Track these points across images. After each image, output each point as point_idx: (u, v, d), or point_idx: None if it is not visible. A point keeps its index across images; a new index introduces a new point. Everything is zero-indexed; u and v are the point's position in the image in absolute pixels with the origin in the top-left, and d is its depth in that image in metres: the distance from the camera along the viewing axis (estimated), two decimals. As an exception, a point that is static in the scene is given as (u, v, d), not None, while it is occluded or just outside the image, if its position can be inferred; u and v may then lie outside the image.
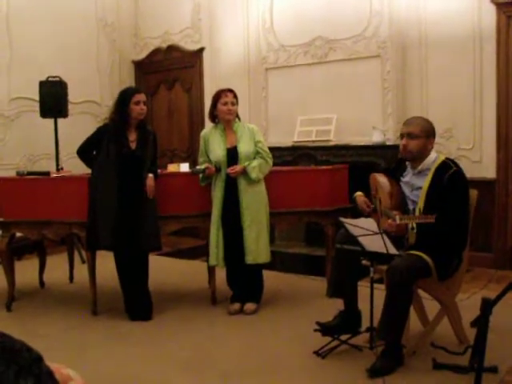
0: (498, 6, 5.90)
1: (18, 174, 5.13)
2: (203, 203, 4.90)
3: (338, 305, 3.98)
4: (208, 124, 5.15)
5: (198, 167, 4.80)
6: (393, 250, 3.39)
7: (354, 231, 3.54)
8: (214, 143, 4.77)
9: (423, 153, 3.72)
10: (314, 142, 6.94)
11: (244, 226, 4.70)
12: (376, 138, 6.50)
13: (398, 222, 3.32)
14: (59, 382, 1.01)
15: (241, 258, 4.71)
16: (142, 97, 4.68)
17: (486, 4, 5.96)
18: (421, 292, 3.89)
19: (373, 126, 6.54)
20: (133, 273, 4.71)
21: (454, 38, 6.18)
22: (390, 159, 6.16)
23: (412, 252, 3.57)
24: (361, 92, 6.77)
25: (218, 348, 4.06)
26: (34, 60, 7.52)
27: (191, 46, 8.39)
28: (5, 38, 7.37)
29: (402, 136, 3.77)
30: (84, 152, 4.78)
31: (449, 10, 6.19)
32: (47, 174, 5.18)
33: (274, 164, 5.05)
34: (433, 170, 3.68)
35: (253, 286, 4.88)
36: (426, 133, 3.72)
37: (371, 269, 3.62)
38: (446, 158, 3.77)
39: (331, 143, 6.81)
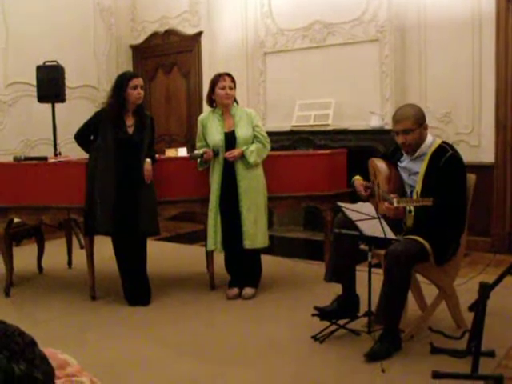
0: (498, -11, 5.87)
1: (15, 159, 5.10)
2: (201, 188, 4.89)
3: (336, 289, 3.99)
4: (206, 108, 5.13)
5: (195, 152, 4.79)
6: (391, 235, 3.39)
7: (352, 216, 3.54)
8: (212, 127, 4.75)
9: (422, 141, 3.70)
10: (312, 126, 6.92)
11: (242, 211, 4.69)
12: (374, 122, 6.49)
13: (395, 204, 3.31)
14: (55, 366, 1.00)
15: (239, 243, 4.71)
16: (139, 81, 4.65)
17: (486, -13, 5.92)
18: (419, 276, 3.90)
19: (371, 111, 6.52)
20: (131, 258, 4.72)
21: (453, 21, 6.14)
22: (388, 143, 6.14)
23: (410, 236, 3.56)
24: (359, 76, 6.75)
25: (215, 333, 4.06)
26: (31, 44, 7.47)
27: (189, 30, 8.34)
28: (0, 22, 7.31)
29: (396, 133, 3.73)
30: (81, 137, 4.77)
31: (448, -7, 6.15)
32: (45, 159, 5.16)
33: (273, 148, 5.03)
34: (429, 154, 3.66)
35: (251, 271, 4.88)
36: (418, 122, 3.67)
37: (369, 253, 3.63)
38: (443, 142, 3.75)
39: (329, 128, 6.79)
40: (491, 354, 3.40)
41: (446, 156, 3.59)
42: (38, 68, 6.83)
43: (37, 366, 0.84)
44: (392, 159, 3.94)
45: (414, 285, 3.82)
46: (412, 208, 3.49)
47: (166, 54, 8.68)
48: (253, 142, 4.73)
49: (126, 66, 8.72)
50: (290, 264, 5.88)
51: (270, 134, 5.01)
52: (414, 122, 3.66)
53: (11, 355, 0.80)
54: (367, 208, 3.44)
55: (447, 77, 6.25)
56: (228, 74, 4.76)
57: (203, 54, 8.27)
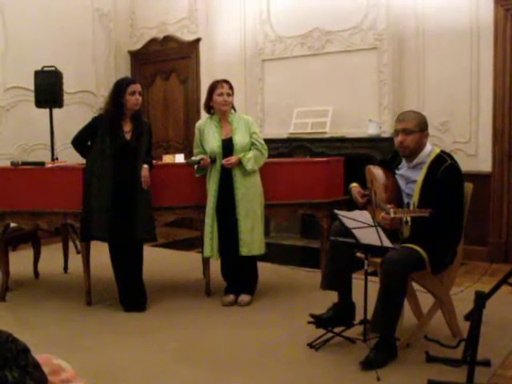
0: (496, -2, 5.89)
1: (12, 163, 5.10)
2: (198, 194, 4.89)
3: (332, 297, 3.98)
4: (204, 115, 5.14)
5: (193, 158, 4.79)
6: (387, 243, 3.39)
7: (349, 223, 3.53)
8: (210, 134, 4.75)
9: (420, 147, 3.70)
10: (309, 134, 6.93)
11: (239, 218, 4.69)
12: (372, 130, 6.49)
13: (392, 215, 3.30)
14: (49, 372, 1.00)
15: (235, 250, 4.71)
16: (137, 87, 4.65)
17: (484, -3, 5.94)
18: (415, 285, 3.89)
19: (369, 119, 6.53)
20: (127, 264, 4.71)
21: (451, 30, 6.16)
22: (385, 152, 6.15)
23: (406, 245, 3.56)
24: (357, 84, 6.76)
25: (211, 339, 4.05)
26: (30, 49, 7.48)
27: (188, 37, 8.35)
28: None
29: (396, 133, 3.73)
30: (79, 142, 4.77)
31: (446, 2, 6.17)
32: (42, 164, 5.16)
33: (270, 156, 5.03)
34: (427, 163, 3.66)
35: (247, 278, 4.88)
36: (420, 127, 3.68)
37: (365, 261, 3.62)
38: (441, 151, 3.74)
39: (327, 135, 6.79)
40: (487, 363, 3.40)
41: (444, 166, 3.58)
42: (37, 73, 6.84)
43: (29, 373, 0.84)
44: (390, 166, 3.94)
45: (410, 293, 3.82)
46: (409, 219, 3.49)
47: (165, 60, 8.69)
48: (250, 149, 4.73)
49: (125, 71, 8.74)
50: (286, 271, 5.88)
51: (267, 141, 5.01)
52: (416, 124, 3.66)
53: (4, 362, 0.80)
54: (364, 216, 3.44)
55: (445, 85, 6.26)
56: (226, 81, 4.77)
57: (201, 60, 8.28)
